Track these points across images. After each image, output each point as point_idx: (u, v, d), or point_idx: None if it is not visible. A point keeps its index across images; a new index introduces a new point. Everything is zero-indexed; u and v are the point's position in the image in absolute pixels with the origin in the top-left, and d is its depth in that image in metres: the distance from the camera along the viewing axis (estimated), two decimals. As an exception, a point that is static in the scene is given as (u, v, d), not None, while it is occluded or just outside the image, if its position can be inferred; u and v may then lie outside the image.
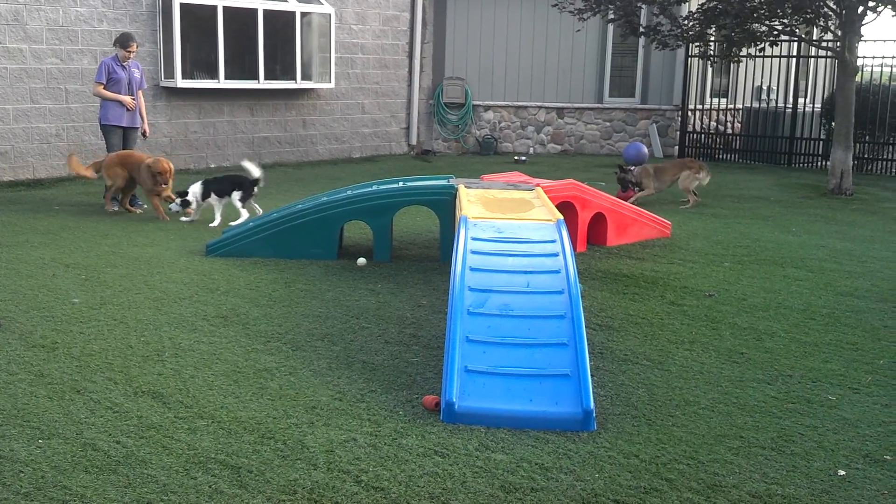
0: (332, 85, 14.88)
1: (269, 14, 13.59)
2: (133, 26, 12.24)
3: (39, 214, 9.33)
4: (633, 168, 11.13)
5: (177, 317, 5.80)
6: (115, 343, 5.24)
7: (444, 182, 7.74)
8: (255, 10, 13.38)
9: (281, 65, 14.06)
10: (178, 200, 9.18)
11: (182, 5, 12.49)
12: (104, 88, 9.86)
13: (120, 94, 9.88)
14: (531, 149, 17.32)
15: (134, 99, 9.99)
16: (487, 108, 17.21)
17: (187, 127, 13.18)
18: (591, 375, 4.33)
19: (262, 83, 13.77)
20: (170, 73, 12.68)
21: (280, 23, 13.85)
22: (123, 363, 4.89)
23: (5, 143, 11.31)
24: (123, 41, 9.91)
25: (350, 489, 3.52)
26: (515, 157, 15.92)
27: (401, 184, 7.94)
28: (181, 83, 12.65)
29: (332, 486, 3.54)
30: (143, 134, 10.35)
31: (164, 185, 9.42)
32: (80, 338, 5.31)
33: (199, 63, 13.06)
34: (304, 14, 14.21)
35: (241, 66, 13.53)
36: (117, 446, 3.85)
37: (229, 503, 3.38)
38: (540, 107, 17.19)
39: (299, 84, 14.29)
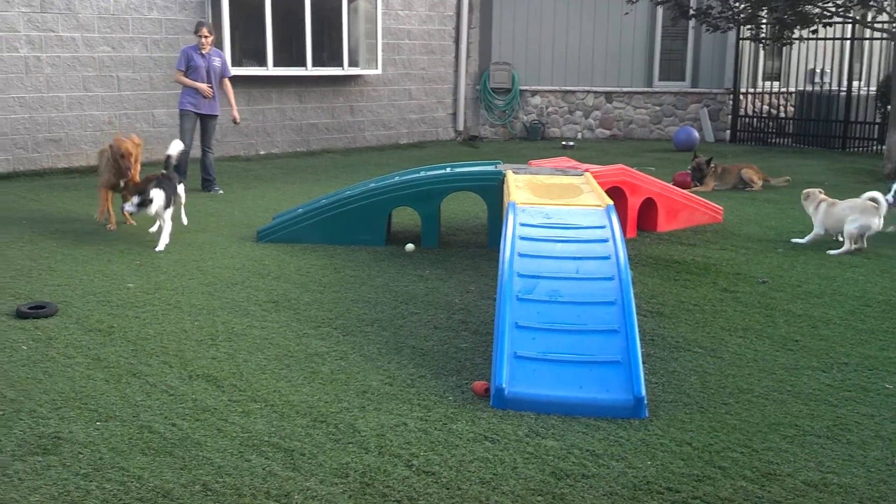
0: (378, 71, 14.91)
1: (316, 1, 13.64)
2: (182, 14, 12.38)
3: (93, 201, 9.48)
4: (713, 163, 10.94)
5: (229, 302, 5.87)
6: (170, 327, 5.32)
7: (491, 168, 7.72)
8: (303, -3, 13.45)
9: (328, 51, 14.12)
10: (136, 200, 7.39)
11: (231, -7, 12.60)
12: (184, 75, 10.07)
13: (198, 81, 10.08)
14: (579, 134, 17.19)
15: (211, 87, 10.16)
16: (535, 93, 17.12)
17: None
18: (643, 362, 4.30)
19: (310, 70, 13.84)
20: (220, 61, 12.80)
21: (327, 9, 13.90)
22: (178, 347, 4.97)
23: (59, 130, 11.53)
24: (195, 28, 10.20)
25: (401, 473, 3.54)
26: (563, 143, 15.83)
27: (448, 170, 7.94)
28: (231, 71, 12.75)
29: (383, 469, 3.57)
30: (234, 121, 10.63)
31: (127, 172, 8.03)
32: (135, 322, 5.41)
33: (248, 51, 13.17)
34: (350, 0, 14.23)
35: (289, 53, 13.62)
36: (173, 429, 3.91)
37: (282, 485, 3.42)
38: (588, 91, 17.05)
39: (346, 70, 14.35)
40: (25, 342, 5.01)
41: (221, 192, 10.29)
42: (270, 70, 13.35)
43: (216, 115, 10.39)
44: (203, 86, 10.11)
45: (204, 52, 10.13)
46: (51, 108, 11.41)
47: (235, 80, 12.99)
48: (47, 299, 5.80)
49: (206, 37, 10.08)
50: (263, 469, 3.55)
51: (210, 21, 12.64)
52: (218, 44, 12.69)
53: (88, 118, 11.76)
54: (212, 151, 10.44)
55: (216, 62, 10.27)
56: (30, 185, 10.59)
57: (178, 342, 5.06)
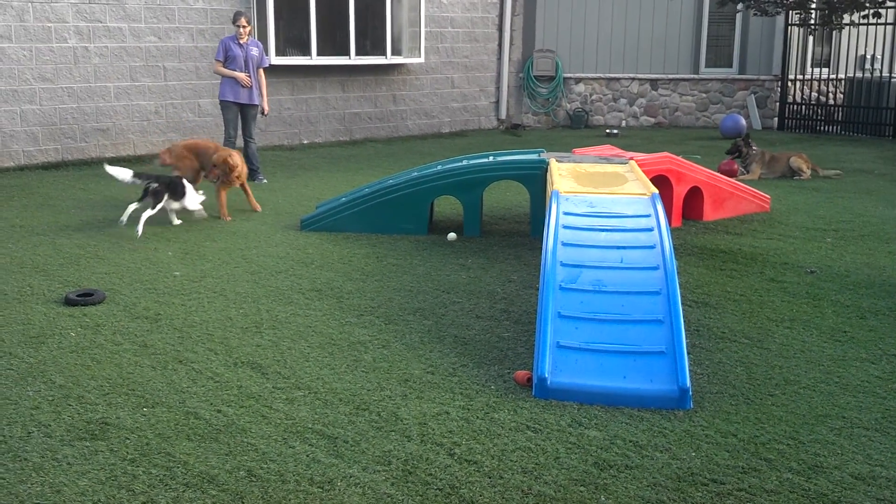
0: (421, 59, 14.90)
1: (359, -10, 13.66)
2: (227, 4, 12.48)
3: (140, 190, 9.61)
4: (754, 147, 10.81)
5: (273, 290, 5.92)
6: (215, 315, 5.38)
7: (534, 156, 7.67)
8: (346, -14, 13.47)
9: (371, 40, 14.13)
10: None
11: (275, -17, 12.67)
12: (223, 66, 10.15)
13: (237, 71, 10.15)
14: (623, 122, 17.04)
15: (250, 76, 10.22)
16: (578, 80, 16.99)
17: (281, 104, 13.38)
18: (688, 353, 4.25)
19: (353, 59, 13.87)
20: (264, 50, 12.88)
21: (371, -2, 13.91)
22: (223, 334, 5.03)
23: (107, 120, 11.70)
24: (234, 18, 10.26)
25: (443, 461, 3.55)
26: (607, 131, 15.69)
27: (491, 158, 7.91)
28: (275, 60, 12.84)
29: (425, 458, 3.58)
30: (263, 112, 10.63)
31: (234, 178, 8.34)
32: (181, 310, 5.48)
33: (292, 40, 13.23)
34: (394, -11, 14.23)
35: (333, 42, 13.66)
36: (218, 415, 3.96)
37: (325, 472, 3.45)
38: (633, 78, 16.87)
39: (389, 59, 14.35)
40: (74, 329, 5.10)
41: (266, 181, 10.36)
42: (314, 59, 13.40)
43: (256, 105, 10.44)
44: (242, 75, 10.16)
45: (242, 41, 10.18)
46: (98, 98, 11.58)
47: (280, 69, 13.10)
48: (95, 287, 5.90)
49: (244, 27, 10.13)
50: (307, 456, 3.58)
51: (255, 10, 12.72)
52: (262, 33, 12.79)
53: (135, 108, 11.91)
54: (254, 141, 10.51)
55: (254, 52, 10.32)
56: (78, 174, 10.77)
57: (223, 329, 5.12)
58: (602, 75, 16.92)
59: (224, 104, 10.29)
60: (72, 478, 3.39)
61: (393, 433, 3.80)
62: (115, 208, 8.58)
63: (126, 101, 11.83)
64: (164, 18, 11.99)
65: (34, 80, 11.02)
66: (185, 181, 7.98)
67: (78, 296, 5.61)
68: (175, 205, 7.82)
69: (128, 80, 11.79)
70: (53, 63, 11.14)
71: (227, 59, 10.15)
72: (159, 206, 7.60)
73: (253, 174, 10.30)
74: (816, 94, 16.68)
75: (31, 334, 5.01)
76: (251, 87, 10.27)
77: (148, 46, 11.90)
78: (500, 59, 16.32)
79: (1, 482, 3.36)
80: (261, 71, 10.46)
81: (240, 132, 10.42)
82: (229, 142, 10.12)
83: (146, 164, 11.52)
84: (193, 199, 7.95)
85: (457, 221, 7.87)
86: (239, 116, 10.36)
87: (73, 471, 3.45)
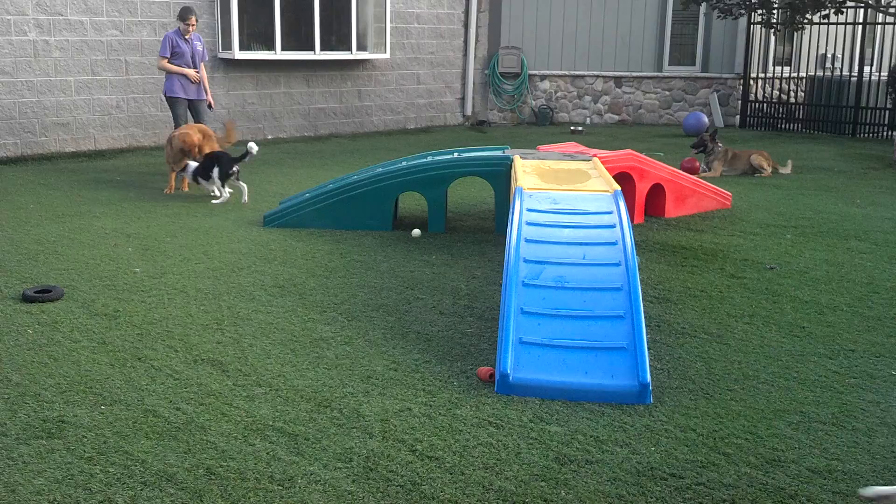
0: (387, 55, 14.87)
1: (324, -16, 13.60)
2: (191, -2, 12.36)
3: (101, 185, 9.51)
4: (719, 144, 10.90)
5: (235, 286, 5.87)
6: (176, 312, 5.33)
7: (499, 153, 7.69)
8: (311, -19, 13.40)
9: (337, 35, 14.08)
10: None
11: (239, -23, 12.56)
12: (168, 62, 10.03)
13: (183, 67, 10.04)
14: (588, 119, 17.13)
15: (198, 71, 10.15)
16: (543, 77, 17.05)
17: (245, 98, 13.29)
18: (648, 348, 4.28)
19: (318, 54, 13.81)
20: (227, 45, 12.79)
21: (336, -7, 13.85)
22: (183, 332, 4.98)
23: (67, 114, 11.54)
24: (182, 15, 10.08)
25: (405, 458, 3.54)
26: (572, 128, 15.77)
27: (456, 155, 7.91)
28: (238, 54, 12.75)
29: (387, 454, 3.57)
30: (209, 106, 10.53)
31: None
32: (141, 306, 5.42)
33: (256, 34, 13.13)
34: (359, -16, 14.18)
35: (298, 37, 13.58)
36: (177, 413, 3.92)
37: (286, 470, 3.43)
38: (597, 76, 16.97)
39: (355, 55, 14.30)
40: (31, 326, 5.03)
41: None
42: (278, 54, 13.32)
43: (204, 99, 10.37)
44: (190, 71, 10.08)
45: (187, 37, 10.09)
46: (59, 92, 11.42)
47: (244, 64, 13.01)
48: (53, 283, 5.81)
49: (193, 24, 10.06)
50: (267, 453, 3.56)
51: (219, 4, 12.61)
52: (226, 27, 12.68)
53: (97, 102, 11.76)
54: None
55: (199, 46, 10.25)
56: (38, 168, 10.61)
57: (183, 327, 5.07)
58: (567, 73, 17.00)
59: (173, 100, 10.18)
60: (27, 476, 3.34)
61: (354, 430, 3.78)
62: (74, 204, 8.47)
63: (87, 95, 11.67)
64: (126, 12, 11.84)
65: (-8, 73, 10.84)
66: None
67: (35, 292, 5.52)
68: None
69: (89, 73, 11.63)
70: (13, 56, 10.96)
71: (174, 55, 10.03)
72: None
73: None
74: (778, 93, 16.89)
75: (-13, 332, 4.93)
76: (199, 82, 10.21)
77: (109, 40, 11.75)
78: (465, 55, 16.33)
79: (-46, 482, 3.30)
80: (202, 65, 10.38)
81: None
82: None
83: (108, 159, 11.38)
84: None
85: (422, 218, 7.87)
86: (189, 112, 10.27)
87: (28, 469, 3.40)
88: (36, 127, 11.31)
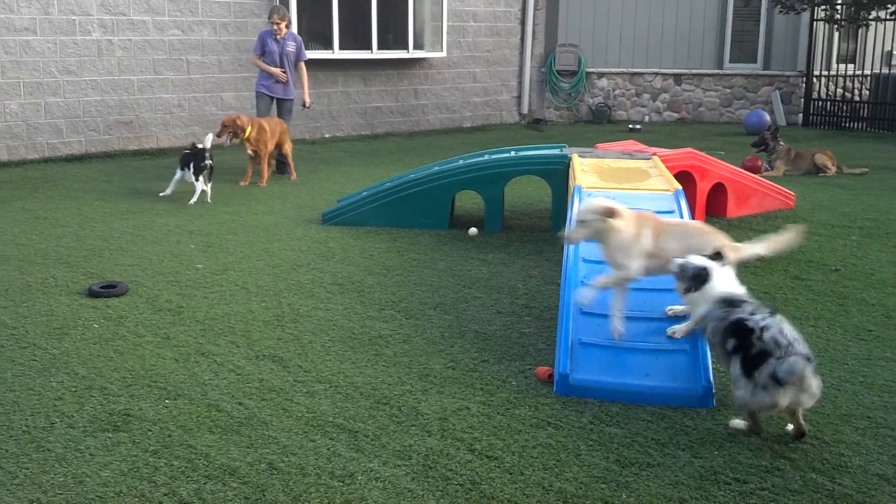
0: (443, 54, 14.88)
1: (382, -17, 13.66)
2: (251, -2, 12.51)
3: (163, 182, 9.66)
4: (781, 142, 10.72)
5: (295, 283, 5.93)
6: (237, 308, 5.40)
7: (556, 151, 7.64)
8: (368, -20, 13.47)
9: (394, 34, 14.12)
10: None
11: (298, -24, 12.68)
12: (260, 59, 10.37)
13: (272, 66, 10.31)
14: (646, 117, 16.95)
15: (285, 72, 10.37)
16: (601, 75, 16.91)
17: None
18: (711, 351, 4.22)
19: (375, 53, 13.87)
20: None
21: (393, -8, 13.90)
22: (245, 327, 5.04)
23: (130, 113, 11.76)
24: (268, 14, 10.46)
25: (464, 457, 3.54)
26: (630, 126, 15.61)
27: (512, 153, 7.89)
28: (306, 55, 12.83)
29: (445, 453, 3.57)
30: (304, 104, 10.86)
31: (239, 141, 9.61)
32: (203, 302, 5.50)
33: (315, 34, 13.24)
34: (417, -17, 14.22)
35: (355, 36, 13.66)
36: (240, 408, 3.97)
37: (346, 466, 3.45)
38: (656, 73, 16.78)
39: (411, 53, 14.34)
40: (97, 321, 5.13)
41: (294, 178, 10.39)
42: (336, 53, 13.41)
43: (291, 99, 10.62)
44: (276, 70, 10.32)
45: (278, 37, 10.31)
46: (122, 91, 11.64)
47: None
48: (118, 279, 5.93)
49: (277, 23, 10.27)
50: (328, 449, 3.58)
51: (278, 3, 12.74)
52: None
53: (158, 101, 11.97)
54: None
55: (290, 47, 10.46)
56: (101, 166, 10.84)
57: (244, 322, 5.13)
58: (625, 70, 16.83)
59: (258, 95, 10.54)
60: (94, 469, 3.41)
61: (413, 428, 3.79)
62: (137, 201, 8.63)
63: (149, 94, 11.88)
64: (188, 12, 12.02)
65: (58, 72, 11.09)
66: None
67: (101, 288, 5.64)
68: None
69: (151, 73, 11.84)
70: (77, 56, 11.21)
71: (264, 54, 10.34)
72: None
73: (283, 167, 10.43)
74: (842, 91, 16.52)
75: (55, 326, 5.04)
76: (286, 81, 10.43)
77: (171, 40, 11.94)
78: (522, 53, 16.27)
79: (25, 472, 3.38)
80: (301, 64, 10.65)
81: None
82: None
83: (170, 157, 11.58)
84: None
85: (478, 216, 7.85)
86: (272, 109, 10.53)
87: (95, 462, 3.47)
88: (100, 125, 11.55)
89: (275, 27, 10.26)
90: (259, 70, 10.47)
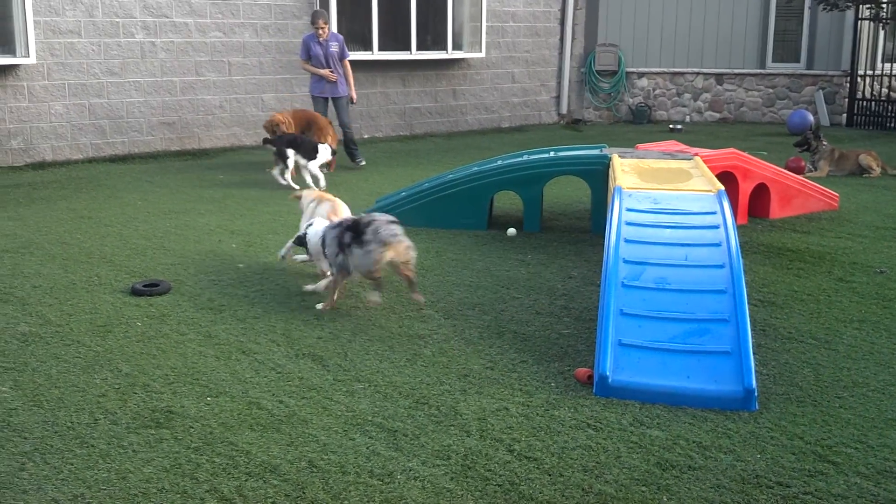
0: (482, 54, 14.86)
1: (421, -16, 13.67)
2: (291, 0, 12.59)
3: (205, 183, 9.78)
4: (825, 142, 10.58)
5: (334, 283, 5.95)
6: (277, 307, 5.44)
7: (596, 151, 7.60)
8: (408, -19, 13.49)
9: (432, 35, 14.14)
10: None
11: (338, -22, 12.75)
12: (308, 63, 10.78)
13: (319, 68, 10.69)
14: (687, 117, 16.79)
15: (333, 71, 10.72)
16: (641, 74, 16.79)
17: (342, 98, 13.45)
18: (753, 353, 4.16)
19: (414, 54, 13.90)
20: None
21: (432, -7, 13.91)
22: (285, 326, 5.08)
23: (172, 114, 11.90)
24: (312, 19, 10.79)
25: (503, 457, 3.53)
26: (671, 126, 15.47)
27: (552, 153, 7.85)
28: (349, 53, 12.89)
29: (485, 453, 3.56)
30: (350, 100, 11.17)
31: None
32: (244, 301, 5.55)
33: (354, 35, 13.29)
34: (456, -17, 14.20)
35: (394, 37, 13.69)
36: (280, 406, 4.00)
37: (385, 465, 3.46)
38: (697, 73, 16.62)
39: (450, 54, 14.35)
40: (140, 319, 5.20)
41: (364, 163, 11.18)
42: (375, 54, 13.46)
43: (343, 96, 10.98)
44: (325, 72, 10.70)
45: (321, 39, 10.62)
46: (164, 93, 11.79)
47: (341, 64, 13.16)
48: (161, 277, 6.00)
49: (321, 27, 10.60)
50: (367, 448, 3.60)
51: (318, 6, 12.82)
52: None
53: (200, 102, 12.10)
54: (350, 129, 11.14)
55: (333, 47, 10.77)
56: (144, 166, 10.98)
57: (285, 322, 5.16)
58: (665, 70, 16.69)
59: (314, 98, 11.00)
60: (137, 465, 3.46)
61: (452, 428, 3.79)
62: (179, 201, 8.73)
63: (191, 95, 12.01)
64: (229, 14, 12.14)
65: (102, 74, 11.26)
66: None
67: (144, 286, 5.71)
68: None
69: (193, 74, 11.97)
70: (121, 57, 11.37)
71: (310, 58, 10.72)
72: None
73: (353, 156, 11.12)
74: (887, 90, 16.23)
75: (99, 323, 5.12)
76: (336, 80, 10.78)
77: (213, 42, 12.07)
78: (561, 53, 16.21)
79: (69, 468, 3.43)
80: (345, 62, 10.98)
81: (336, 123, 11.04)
82: None
83: (212, 157, 11.70)
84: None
85: (517, 217, 7.83)
86: (328, 108, 10.92)
87: (138, 458, 3.51)
88: (143, 126, 11.71)
89: (319, 31, 10.58)
90: (310, 74, 10.85)
